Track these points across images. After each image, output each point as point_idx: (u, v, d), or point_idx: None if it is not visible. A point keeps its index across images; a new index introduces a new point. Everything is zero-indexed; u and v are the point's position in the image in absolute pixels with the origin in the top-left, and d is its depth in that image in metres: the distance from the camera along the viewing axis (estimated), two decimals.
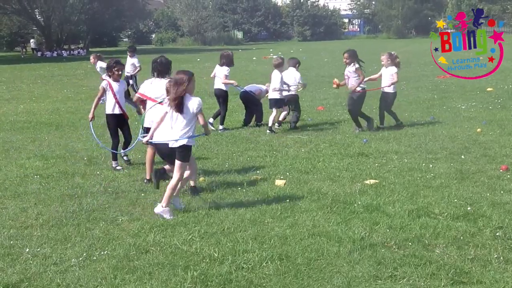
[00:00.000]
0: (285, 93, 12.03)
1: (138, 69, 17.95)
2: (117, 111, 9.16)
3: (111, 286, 5.02)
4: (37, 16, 62.44)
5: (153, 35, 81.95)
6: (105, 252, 5.73)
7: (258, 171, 8.66)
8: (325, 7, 79.09)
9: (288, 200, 7.20)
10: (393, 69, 11.72)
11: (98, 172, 8.92)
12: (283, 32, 79.68)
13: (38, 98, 19.47)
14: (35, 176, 8.75)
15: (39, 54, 53.34)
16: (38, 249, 5.85)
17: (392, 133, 11.42)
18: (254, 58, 38.81)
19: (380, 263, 5.29)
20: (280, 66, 11.99)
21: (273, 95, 11.95)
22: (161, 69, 8.32)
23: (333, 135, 11.43)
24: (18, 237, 6.21)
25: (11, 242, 6.06)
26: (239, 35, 77.85)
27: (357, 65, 11.24)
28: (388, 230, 6.09)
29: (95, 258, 5.61)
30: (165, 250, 5.77)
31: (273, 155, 9.61)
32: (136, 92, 9.97)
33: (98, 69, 17.39)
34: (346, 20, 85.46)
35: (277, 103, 11.91)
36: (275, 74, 11.89)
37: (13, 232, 6.38)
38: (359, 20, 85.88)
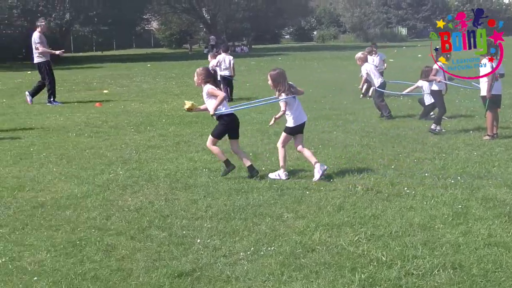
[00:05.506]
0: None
1: None
2: None
3: (278, 282, 5.04)
4: (204, 14, 65.16)
5: (315, 32, 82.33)
6: (272, 248, 5.78)
7: (426, 174, 8.34)
8: (499, 1, 74.76)
9: (460, 206, 6.84)
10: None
11: (263, 168, 9.05)
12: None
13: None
14: (204, 170, 9.07)
15: (205, 51, 55.57)
16: (208, 241, 6.03)
17: None
18: (420, 55, 37.61)
19: None
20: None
21: None
22: None
23: (510, 139, 10.76)
24: (190, 228, 6.45)
25: (184, 232, 6.31)
26: (403, 31, 75.95)
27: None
28: None
29: (262, 253, 5.68)
30: (331, 250, 5.70)
31: (442, 158, 9.21)
32: None
33: (210, 65, 18.53)
34: None
35: None
36: None
37: (185, 222, 6.64)
38: None
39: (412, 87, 14.27)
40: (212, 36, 58.70)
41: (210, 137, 8.73)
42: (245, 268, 5.35)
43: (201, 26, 69.49)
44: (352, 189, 7.73)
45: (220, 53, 19.44)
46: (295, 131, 8.57)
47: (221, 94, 8.53)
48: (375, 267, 5.27)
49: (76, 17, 49.23)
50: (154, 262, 5.53)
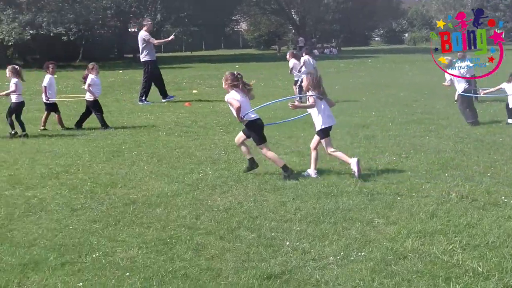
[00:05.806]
0: None
1: None
2: None
3: None
4: (293, 15, 65.25)
5: (406, 34, 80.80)
6: (362, 253, 5.67)
7: None
8: None
9: None
10: None
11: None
12: None
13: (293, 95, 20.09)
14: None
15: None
16: (298, 243, 5.98)
17: None
18: None
19: None
20: None
21: None
22: None
23: None
24: (279, 230, 6.42)
25: (272, 234, 6.29)
26: None
27: None
28: None
29: (352, 258, 5.58)
30: (423, 258, 5.52)
31: None
32: None
33: (291, 65, 18.89)
34: None
35: None
36: None
37: (273, 224, 6.62)
38: None
39: (494, 88, 13.72)
40: (301, 38, 58.52)
41: (260, 147, 8.95)
42: (335, 272, 5.26)
43: (290, 27, 69.61)
44: (445, 196, 7.47)
45: (302, 55, 19.31)
46: (327, 133, 8.80)
47: (236, 104, 8.57)
48: (471, 278, 5.06)
49: (167, 18, 50.41)
50: (243, 262, 5.54)
